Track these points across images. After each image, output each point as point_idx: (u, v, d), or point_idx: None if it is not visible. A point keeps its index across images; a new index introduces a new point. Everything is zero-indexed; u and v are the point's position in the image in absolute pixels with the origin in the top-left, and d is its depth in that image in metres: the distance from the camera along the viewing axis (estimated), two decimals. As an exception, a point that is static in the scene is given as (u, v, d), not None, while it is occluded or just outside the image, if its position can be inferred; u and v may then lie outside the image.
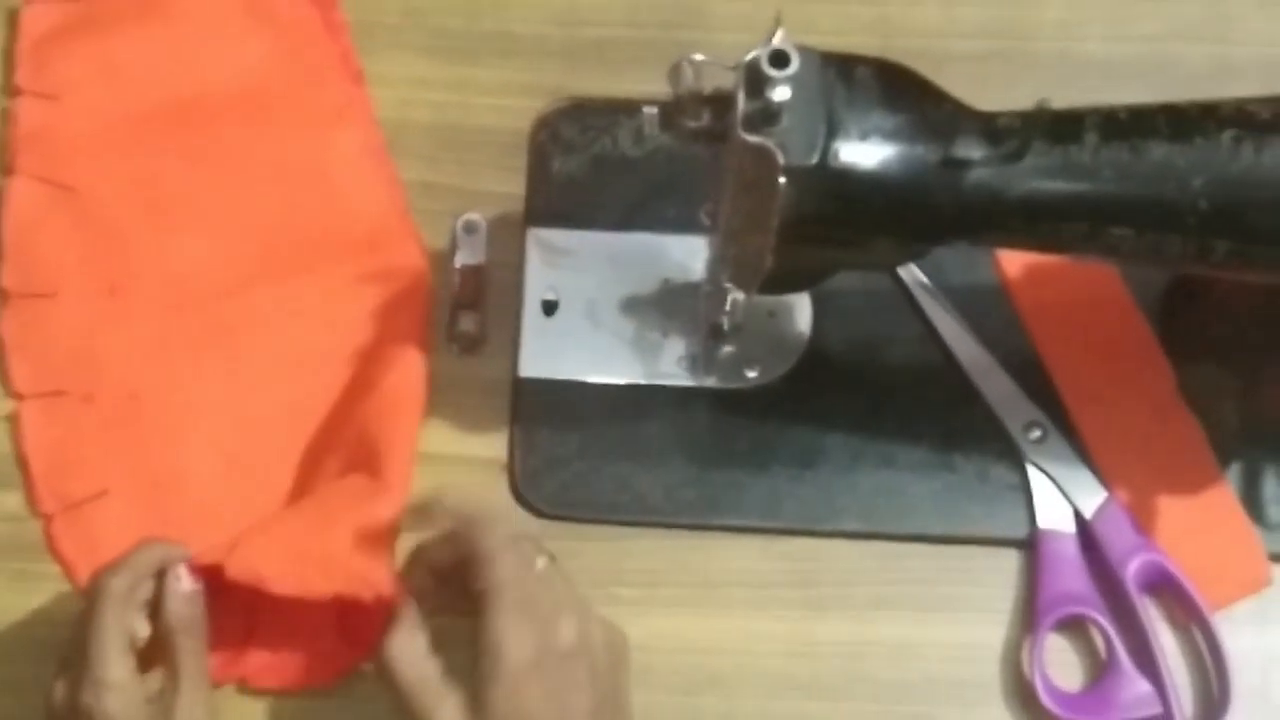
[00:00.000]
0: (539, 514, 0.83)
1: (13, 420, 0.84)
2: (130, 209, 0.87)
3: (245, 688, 0.80)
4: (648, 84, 0.74)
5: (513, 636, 0.68)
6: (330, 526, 0.77)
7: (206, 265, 0.86)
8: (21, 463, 0.83)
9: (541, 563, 0.71)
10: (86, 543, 0.81)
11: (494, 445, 0.84)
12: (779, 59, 0.66)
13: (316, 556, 0.76)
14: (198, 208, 0.87)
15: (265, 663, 0.80)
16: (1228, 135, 0.69)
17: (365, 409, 0.83)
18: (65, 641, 0.74)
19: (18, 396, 0.84)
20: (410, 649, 0.70)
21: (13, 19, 0.90)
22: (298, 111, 0.89)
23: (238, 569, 0.74)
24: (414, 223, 0.87)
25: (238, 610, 0.78)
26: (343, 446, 0.83)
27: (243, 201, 0.87)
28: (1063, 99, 0.72)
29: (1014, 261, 0.86)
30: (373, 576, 0.75)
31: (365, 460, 0.82)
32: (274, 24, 0.90)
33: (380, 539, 0.79)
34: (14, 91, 0.89)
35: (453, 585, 0.72)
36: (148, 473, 0.83)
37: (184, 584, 0.75)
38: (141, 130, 0.88)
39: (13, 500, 0.83)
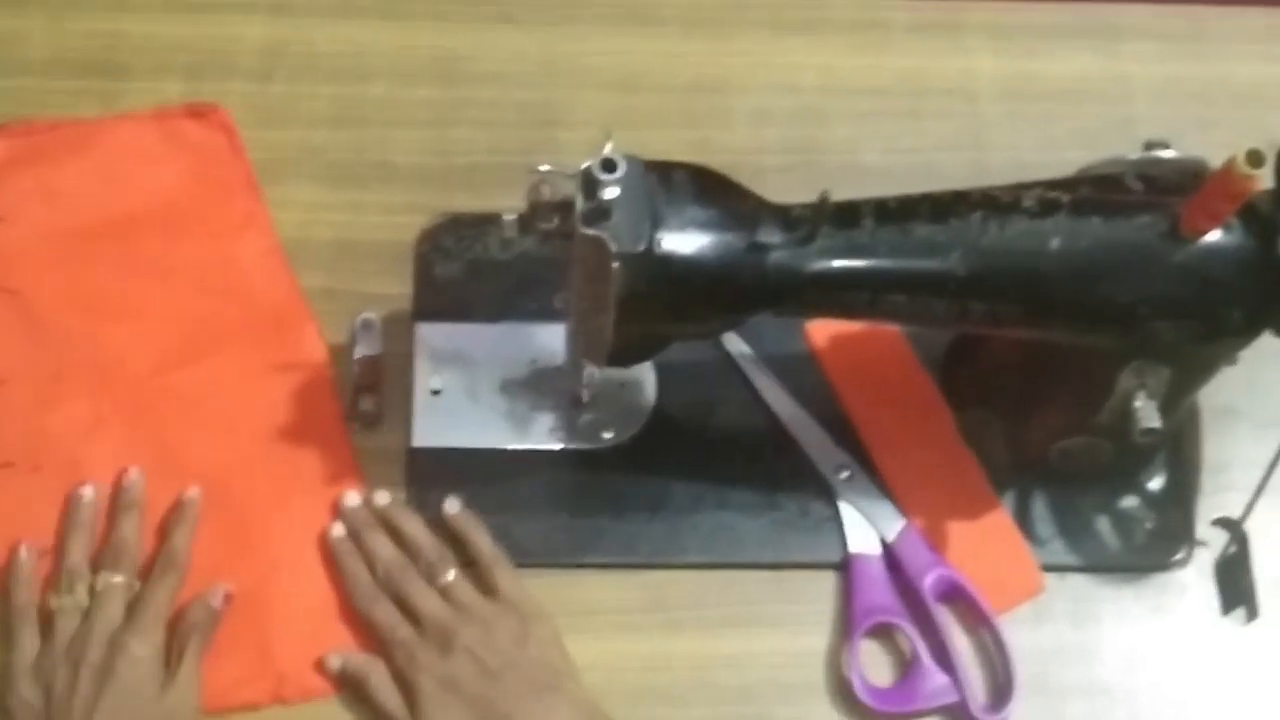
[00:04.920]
0: (432, 562, 0.83)
1: (-31, 491, 0.83)
2: (68, 308, 0.87)
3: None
4: (512, 200, 0.76)
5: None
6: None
7: (135, 352, 0.86)
8: None
9: (451, 575, 0.80)
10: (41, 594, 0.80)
11: (393, 506, 0.85)
12: (608, 165, 0.69)
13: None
14: (126, 304, 0.87)
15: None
16: (977, 216, 0.72)
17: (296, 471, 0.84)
18: None
19: None
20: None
21: (-35, 156, 0.90)
22: (208, 222, 0.90)
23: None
24: (310, 310, 0.88)
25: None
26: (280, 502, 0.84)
27: (164, 298, 0.88)
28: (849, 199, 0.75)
29: (821, 332, 0.88)
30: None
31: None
32: (187, 150, 0.91)
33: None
34: None
35: None
36: None
37: (216, 601, 0.79)
38: (77, 242, 0.89)
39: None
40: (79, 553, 0.80)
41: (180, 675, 0.77)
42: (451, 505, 0.83)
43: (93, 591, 0.78)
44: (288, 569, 0.82)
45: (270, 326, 0.87)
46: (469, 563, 0.82)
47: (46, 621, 0.78)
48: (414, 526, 0.82)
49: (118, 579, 0.79)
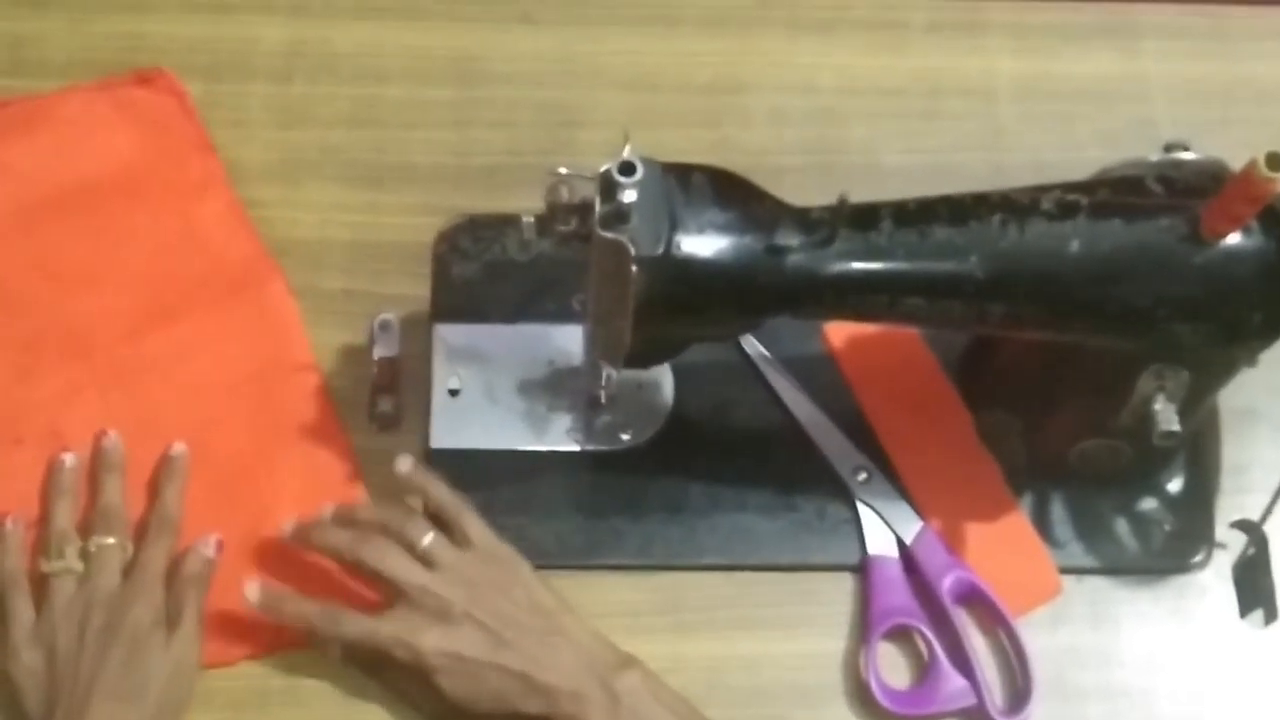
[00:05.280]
0: (450, 562, 0.84)
1: (-46, 469, 0.84)
2: (36, 280, 0.88)
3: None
4: (530, 200, 0.76)
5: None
6: None
7: (105, 319, 0.87)
8: None
9: (428, 540, 0.78)
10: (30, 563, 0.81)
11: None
12: (626, 169, 0.69)
13: None
14: (92, 272, 0.88)
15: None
16: (996, 218, 0.72)
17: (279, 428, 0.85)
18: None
19: None
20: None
21: (-81, 137, 0.91)
22: (166, 185, 0.90)
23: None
24: (275, 264, 0.89)
25: None
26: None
27: (129, 263, 0.88)
28: (867, 200, 0.74)
29: (838, 334, 0.88)
30: None
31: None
32: (139, 117, 0.92)
33: None
34: None
35: None
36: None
37: (209, 550, 0.80)
38: (38, 215, 0.89)
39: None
40: (65, 517, 0.81)
41: (182, 630, 0.77)
42: (403, 463, 0.82)
43: (85, 555, 0.79)
44: (280, 515, 0.82)
45: (238, 283, 0.88)
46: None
47: (39, 588, 0.79)
48: (368, 512, 0.82)
49: (110, 541, 0.79)
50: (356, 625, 0.77)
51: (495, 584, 0.78)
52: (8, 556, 0.80)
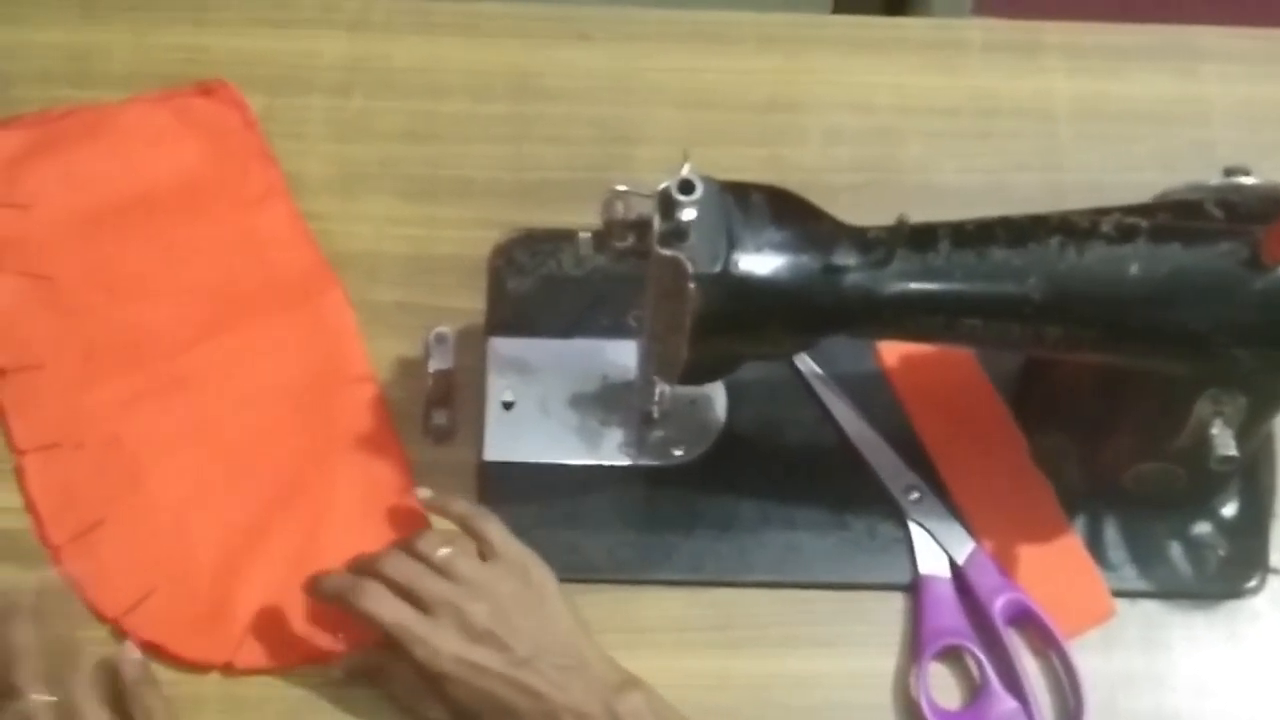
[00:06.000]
0: (503, 575, 0.84)
1: (17, 473, 0.85)
2: (96, 289, 0.89)
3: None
4: (585, 216, 0.77)
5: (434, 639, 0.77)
6: None
7: (163, 327, 0.88)
8: (29, 506, 0.84)
9: (443, 552, 0.78)
10: (93, 565, 0.82)
11: (464, 519, 0.85)
12: (686, 187, 0.69)
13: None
14: (152, 281, 0.89)
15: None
16: (1055, 240, 0.72)
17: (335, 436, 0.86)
18: None
19: (20, 452, 0.85)
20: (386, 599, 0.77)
21: (-17, 147, 0.92)
22: (227, 195, 0.91)
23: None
24: (334, 274, 0.90)
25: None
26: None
27: (189, 272, 0.89)
28: (923, 219, 0.74)
29: (892, 352, 0.88)
30: None
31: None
32: (201, 128, 0.93)
33: None
34: None
35: None
36: (134, 501, 0.84)
37: (134, 653, 0.79)
38: (100, 224, 0.90)
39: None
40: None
41: None
42: (422, 492, 0.83)
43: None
44: (336, 523, 0.83)
45: (297, 293, 0.89)
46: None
47: None
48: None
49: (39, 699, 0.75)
50: (388, 607, 0.77)
51: (517, 598, 0.78)
52: None
